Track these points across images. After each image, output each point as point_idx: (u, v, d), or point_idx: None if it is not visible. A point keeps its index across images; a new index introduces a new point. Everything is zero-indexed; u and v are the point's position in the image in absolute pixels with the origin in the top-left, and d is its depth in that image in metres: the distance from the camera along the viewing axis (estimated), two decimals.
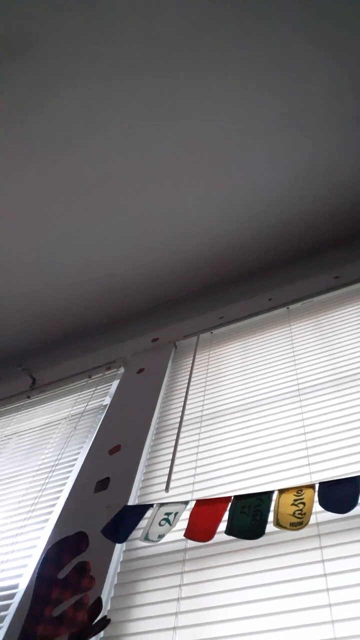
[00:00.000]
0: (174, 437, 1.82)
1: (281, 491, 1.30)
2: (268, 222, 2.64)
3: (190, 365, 2.25)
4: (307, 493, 1.26)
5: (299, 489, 1.28)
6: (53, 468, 2.01)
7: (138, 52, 2.01)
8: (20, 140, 2.24)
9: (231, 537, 1.29)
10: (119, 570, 1.40)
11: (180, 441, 1.79)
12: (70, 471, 1.94)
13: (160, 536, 1.34)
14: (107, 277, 2.88)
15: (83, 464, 1.88)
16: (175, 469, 1.67)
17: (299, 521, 1.19)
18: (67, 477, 1.91)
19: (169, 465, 1.66)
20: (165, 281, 2.93)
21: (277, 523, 1.21)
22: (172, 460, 1.66)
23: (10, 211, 2.51)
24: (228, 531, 1.26)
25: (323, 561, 1.16)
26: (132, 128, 2.24)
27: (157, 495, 1.60)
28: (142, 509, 1.47)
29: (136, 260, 2.80)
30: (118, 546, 1.44)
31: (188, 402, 2.00)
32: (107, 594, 1.32)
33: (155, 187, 2.47)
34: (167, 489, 1.55)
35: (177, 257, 2.79)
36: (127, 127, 2.23)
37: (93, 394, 2.43)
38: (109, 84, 2.09)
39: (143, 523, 1.43)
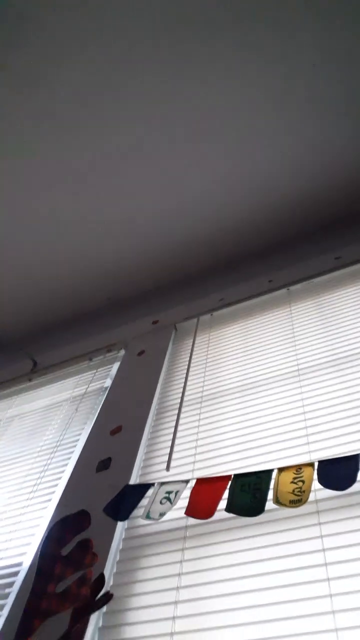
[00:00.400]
0: (175, 417, 1.83)
1: (281, 469, 1.32)
2: (268, 203, 2.62)
3: (190, 347, 2.26)
4: (306, 471, 1.27)
5: (299, 467, 1.30)
6: (55, 449, 2.03)
7: (145, 29, 1.97)
8: (20, 120, 2.22)
9: (231, 515, 1.31)
10: (121, 547, 1.42)
11: (180, 421, 1.80)
12: (72, 452, 1.95)
13: (162, 514, 1.36)
14: (108, 260, 2.87)
15: (85, 445, 1.90)
16: (175, 448, 1.68)
17: (298, 498, 1.21)
18: (69, 458, 1.93)
19: (170, 444, 1.68)
20: (166, 264, 2.92)
21: (277, 500, 1.23)
22: (173, 439, 1.68)
23: (11, 194, 2.50)
24: (228, 509, 1.29)
25: (321, 537, 1.18)
26: (132, 107, 2.21)
27: (158, 474, 1.61)
28: (143, 487, 1.49)
29: (136, 243, 2.79)
30: (120, 524, 1.46)
31: (188, 383, 2.01)
32: (109, 570, 1.34)
33: (156, 170, 2.45)
34: (168, 468, 1.57)
35: (177, 240, 2.78)
36: (126, 107, 2.21)
37: (94, 376, 2.45)
38: (112, 57, 2.06)
39: (144, 501, 1.45)
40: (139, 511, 1.46)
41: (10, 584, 1.49)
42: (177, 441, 1.71)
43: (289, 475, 1.28)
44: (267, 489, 1.29)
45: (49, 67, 2.06)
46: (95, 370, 2.49)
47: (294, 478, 1.27)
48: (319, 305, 2.11)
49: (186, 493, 1.40)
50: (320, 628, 1.01)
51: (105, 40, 2.00)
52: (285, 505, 1.21)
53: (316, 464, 1.28)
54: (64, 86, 2.12)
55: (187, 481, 1.43)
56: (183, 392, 1.91)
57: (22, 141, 2.29)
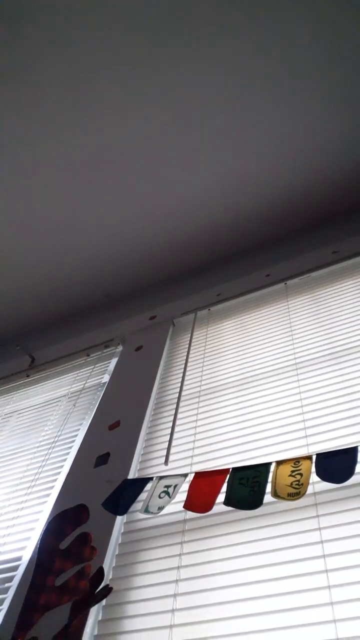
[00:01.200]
0: (173, 412, 1.84)
1: (279, 462, 1.32)
2: (265, 198, 2.62)
3: (188, 342, 2.26)
4: (304, 464, 1.28)
5: (297, 460, 1.30)
6: (53, 445, 2.03)
7: (134, 27, 1.96)
8: (14, 117, 2.20)
9: (230, 508, 1.31)
10: (120, 541, 1.43)
11: (178, 416, 1.81)
12: (71, 447, 1.96)
13: (160, 508, 1.36)
14: (105, 255, 2.87)
15: (83, 440, 1.90)
16: (174, 442, 1.68)
17: (297, 491, 1.21)
18: (68, 453, 1.93)
19: (168, 439, 1.68)
20: (163, 259, 2.92)
21: (275, 493, 1.23)
22: (171, 434, 1.68)
23: (7, 190, 2.49)
24: (227, 502, 1.29)
25: (320, 529, 1.18)
26: (128, 103, 2.20)
27: (156, 468, 1.62)
28: (142, 482, 1.49)
29: (133, 239, 2.79)
30: (119, 518, 1.47)
31: (186, 378, 2.02)
32: (108, 563, 1.35)
33: (152, 166, 2.44)
34: (166, 462, 1.57)
35: (174, 235, 2.78)
36: (123, 103, 2.20)
37: (92, 371, 2.45)
38: (109, 55, 2.05)
39: (143, 496, 1.46)
40: (138, 505, 1.47)
41: (10, 578, 1.49)
42: (175, 435, 1.72)
43: (287, 468, 1.29)
44: (266, 482, 1.29)
45: (45, 64, 2.05)
46: (93, 366, 2.49)
47: (292, 471, 1.27)
48: (316, 299, 2.11)
49: (185, 487, 1.41)
50: (319, 619, 1.02)
51: (103, 38, 1.99)
52: (283, 498, 1.21)
53: (314, 457, 1.29)
54: (61, 83, 2.11)
55: (185, 475, 1.43)
56: (181, 387, 1.91)
57: (18, 137, 2.28)
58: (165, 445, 1.68)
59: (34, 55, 2.03)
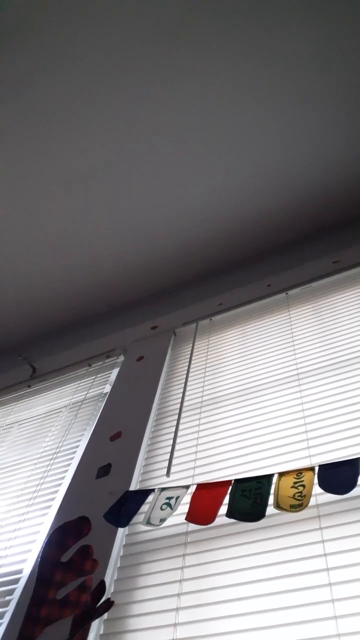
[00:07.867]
0: (175, 422, 1.83)
1: (281, 474, 1.31)
2: (266, 208, 2.63)
3: (189, 352, 2.26)
4: (306, 475, 1.27)
5: (299, 472, 1.29)
6: (55, 456, 2.02)
7: (139, 34, 1.98)
8: (19, 124, 2.22)
9: (232, 520, 1.31)
10: (121, 553, 1.42)
11: (180, 427, 1.80)
12: (72, 458, 1.95)
13: (162, 520, 1.35)
14: (106, 265, 2.88)
15: (84, 451, 1.89)
16: (176, 454, 1.68)
17: (299, 503, 1.20)
18: (69, 464, 1.92)
19: (170, 450, 1.68)
20: (164, 269, 2.92)
21: (277, 505, 1.23)
22: (173, 445, 1.68)
23: (9, 201, 2.50)
24: (229, 514, 1.28)
25: (323, 541, 1.17)
26: (132, 112, 2.22)
27: (158, 480, 1.61)
28: (143, 493, 1.48)
29: (135, 249, 2.80)
30: (120, 530, 1.46)
31: (188, 388, 2.01)
32: (110, 576, 1.34)
33: (154, 175, 2.46)
34: (168, 473, 1.57)
35: (175, 245, 2.79)
36: (126, 112, 2.22)
37: (93, 382, 2.44)
38: (110, 64, 2.07)
39: (145, 507, 1.45)
40: (140, 517, 1.46)
41: (11, 592, 1.48)
42: (177, 446, 1.71)
43: (289, 480, 1.28)
44: (268, 493, 1.28)
45: (47, 73, 2.07)
46: (94, 376, 2.49)
47: (295, 482, 1.27)
48: (317, 309, 2.11)
49: (187, 499, 1.40)
50: (323, 634, 1.01)
51: (104, 48, 2.01)
52: (286, 510, 1.21)
53: (316, 468, 1.28)
54: (63, 92, 2.13)
55: (187, 487, 1.42)
56: (182, 397, 1.91)
57: (19, 146, 2.30)
58: (167, 456, 1.68)
59: (36, 67, 2.05)
